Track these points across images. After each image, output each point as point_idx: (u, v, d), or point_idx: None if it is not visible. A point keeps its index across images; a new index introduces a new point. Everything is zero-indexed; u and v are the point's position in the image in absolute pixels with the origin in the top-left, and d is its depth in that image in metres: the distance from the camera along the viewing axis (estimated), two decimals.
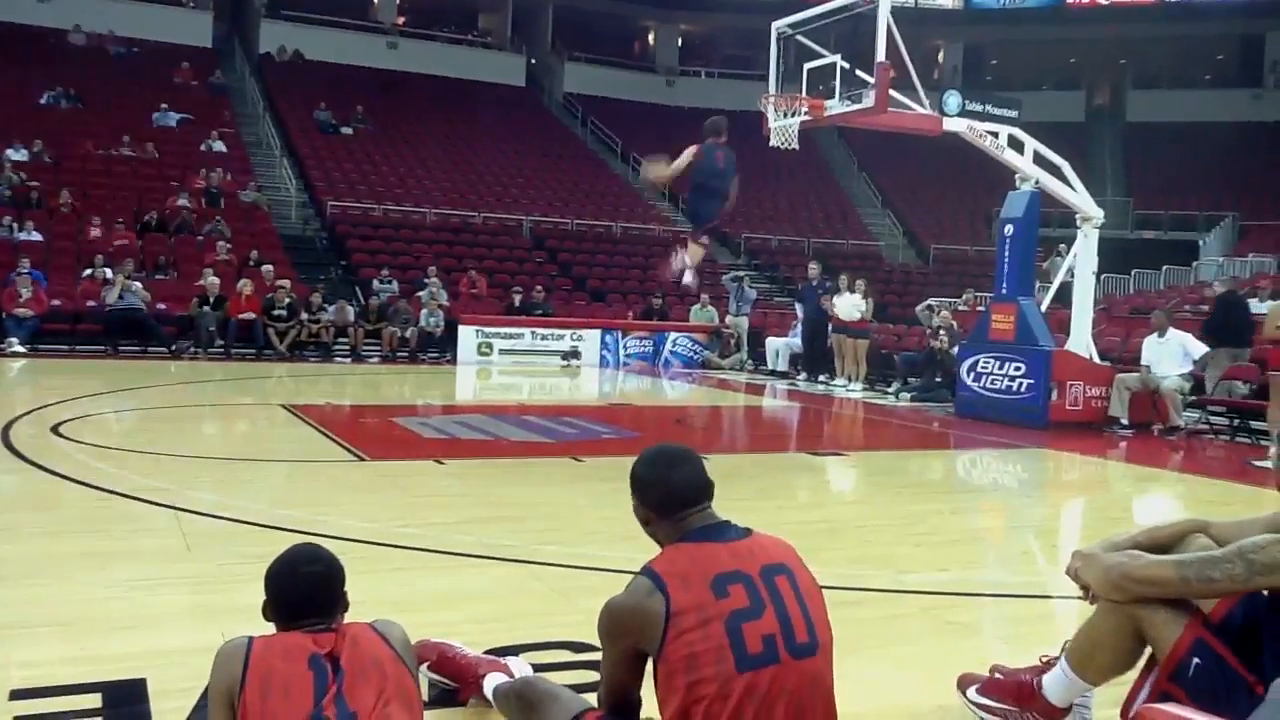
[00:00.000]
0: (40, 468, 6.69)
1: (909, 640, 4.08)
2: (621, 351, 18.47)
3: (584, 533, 5.75)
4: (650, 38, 37.63)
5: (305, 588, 2.38)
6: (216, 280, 16.58)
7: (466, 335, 17.42)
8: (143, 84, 25.74)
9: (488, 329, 17.67)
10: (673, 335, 18.89)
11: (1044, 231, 12.92)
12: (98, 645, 3.63)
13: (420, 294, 18.46)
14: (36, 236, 17.75)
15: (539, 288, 19.79)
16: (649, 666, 2.38)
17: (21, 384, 12.67)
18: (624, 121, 31.82)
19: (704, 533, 2.41)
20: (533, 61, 34.71)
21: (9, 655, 3.46)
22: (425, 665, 3.12)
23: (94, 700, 3.15)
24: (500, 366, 17.10)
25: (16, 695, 3.10)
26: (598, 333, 18.20)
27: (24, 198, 18.94)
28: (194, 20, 29.96)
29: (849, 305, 15.48)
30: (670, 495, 2.46)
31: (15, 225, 17.70)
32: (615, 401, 10.13)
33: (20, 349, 14.71)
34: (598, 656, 2.58)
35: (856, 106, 11.03)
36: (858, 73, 11.01)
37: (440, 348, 17.64)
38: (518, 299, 18.87)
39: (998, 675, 3.16)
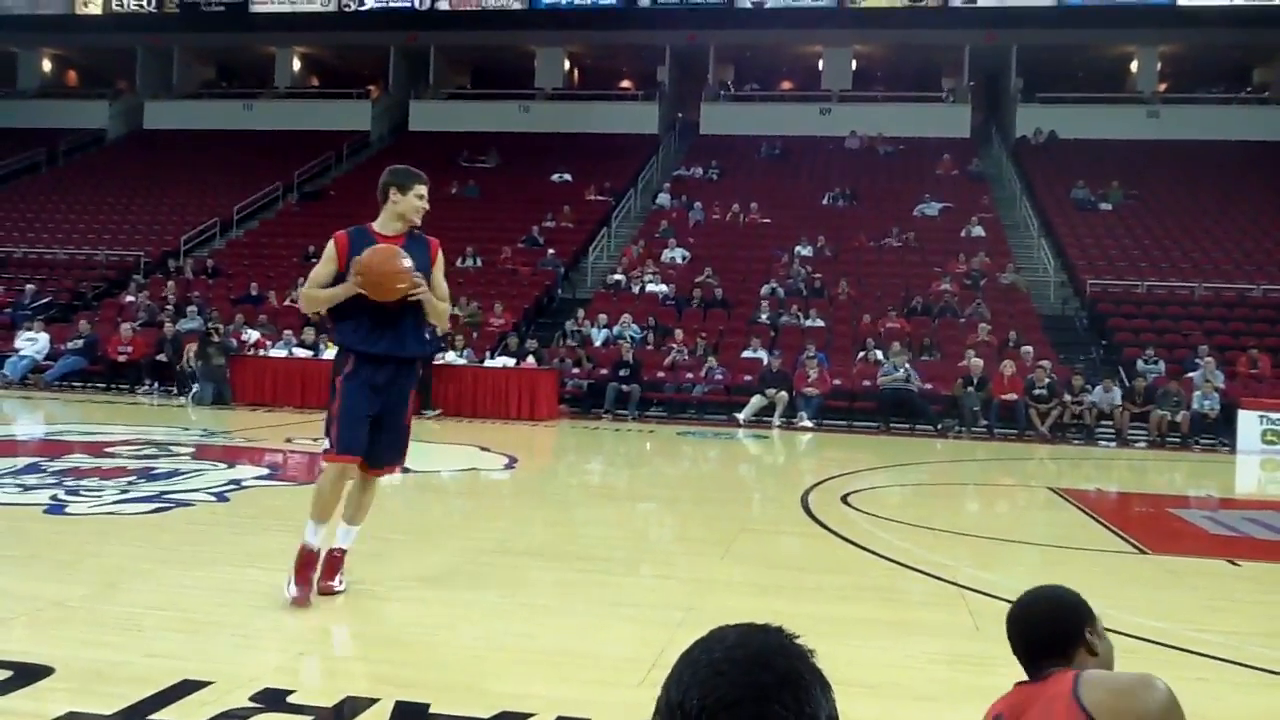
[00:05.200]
0: (835, 534, 7.35)
1: None
2: None
3: None
4: None
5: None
6: (979, 361, 16.98)
7: (1248, 421, 15.77)
8: (907, 178, 27.56)
9: (1274, 415, 15.81)
10: None
11: None
12: (904, 711, 3.87)
13: (1191, 375, 17.13)
14: (819, 323, 19.75)
15: None
16: None
17: (810, 455, 14.18)
18: None
19: None
20: None
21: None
22: None
23: None
24: None
25: None
26: None
27: (810, 288, 21.26)
28: (953, 114, 31.37)
29: None
30: None
31: (802, 314, 19.93)
32: None
33: (808, 423, 16.47)
34: None
35: None
36: None
37: (1216, 434, 16.18)
38: None
39: None
